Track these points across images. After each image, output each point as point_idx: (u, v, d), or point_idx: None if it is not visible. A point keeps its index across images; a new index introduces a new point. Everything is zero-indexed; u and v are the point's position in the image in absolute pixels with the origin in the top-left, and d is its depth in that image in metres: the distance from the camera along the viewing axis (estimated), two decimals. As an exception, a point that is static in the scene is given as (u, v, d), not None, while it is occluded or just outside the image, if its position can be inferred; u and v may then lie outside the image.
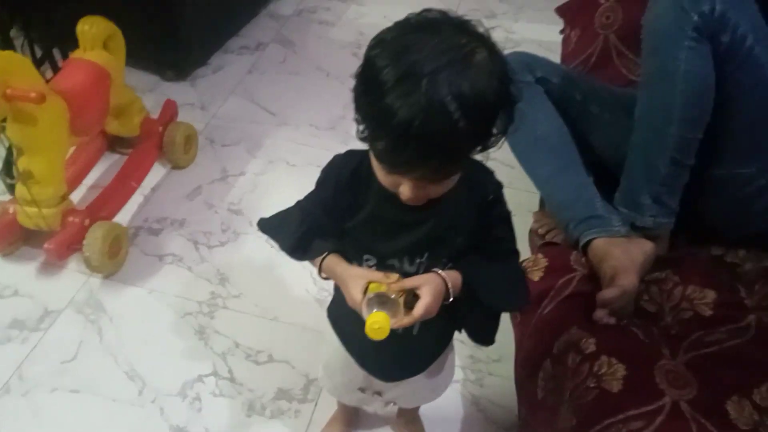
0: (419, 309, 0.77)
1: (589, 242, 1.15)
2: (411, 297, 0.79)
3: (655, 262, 1.11)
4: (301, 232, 0.87)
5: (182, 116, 1.91)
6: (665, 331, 1.01)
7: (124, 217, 1.68)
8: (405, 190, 0.71)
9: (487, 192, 0.81)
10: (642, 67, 1.13)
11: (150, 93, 2.09)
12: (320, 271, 0.87)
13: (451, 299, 0.81)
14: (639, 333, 1.00)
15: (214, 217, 1.73)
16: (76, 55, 1.57)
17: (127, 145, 1.82)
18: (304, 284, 1.55)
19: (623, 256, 1.09)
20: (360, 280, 0.79)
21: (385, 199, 0.78)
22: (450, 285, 0.80)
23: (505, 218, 0.85)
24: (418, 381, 0.99)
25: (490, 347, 0.92)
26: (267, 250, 1.57)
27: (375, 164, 0.73)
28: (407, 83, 0.61)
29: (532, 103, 1.29)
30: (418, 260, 0.82)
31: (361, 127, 0.70)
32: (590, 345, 0.98)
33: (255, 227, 0.94)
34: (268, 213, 0.92)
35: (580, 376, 0.94)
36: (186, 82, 2.19)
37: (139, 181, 1.73)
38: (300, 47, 2.39)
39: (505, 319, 1.17)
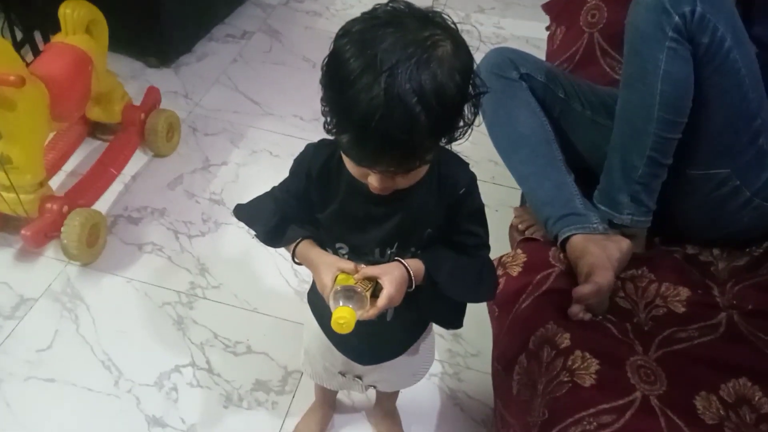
0: (382, 299, 0.77)
1: (567, 239, 1.16)
2: (377, 286, 0.80)
3: (631, 259, 1.13)
4: (275, 220, 0.87)
5: (165, 104, 1.90)
6: (639, 328, 1.02)
7: (103, 205, 1.66)
8: (373, 181, 0.72)
9: (457, 185, 0.81)
10: (623, 67, 1.13)
11: (133, 80, 2.07)
12: (293, 256, 0.87)
13: (413, 288, 0.82)
14: (613, 329, 1.01)
15: (195, 206, 1.72)
16: (57, 38, 1.55)
17: (108, 132, 1.81)
18: (285, 276, 1.55)
19: (600, 252, 1.11)
20: (330, 267, 0.80)
21: (355, 193, 0.79)
22: (412, 273, 0.81)
23: (476, 212, 0.85)
24: (396, 365, 1.00)
25: (467, 342, 0.93)
26: (248, 240, 1.57)
27: (344, 156, 0.74)
28: (368, 77, 0.61)
29: (515, 99, 1.30)
30: (388, 251, 0.83)
31: (328, 119, 0.70)
32: (565, 340, 0.99)
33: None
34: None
35: (554, 371, 0.95)
36: (170, 70, 2.17)
37: (120, 168, 1.72)
38: (286, 37, 2.37)
39: (484, 313, 1.18)
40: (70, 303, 1.46)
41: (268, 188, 0.90)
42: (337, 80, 0.64)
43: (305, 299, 1.02)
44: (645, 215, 1.17)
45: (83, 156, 1.79)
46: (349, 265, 0.80)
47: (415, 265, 0.81)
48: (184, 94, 2.08)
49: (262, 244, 0.91)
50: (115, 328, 1.42)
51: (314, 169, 0.81)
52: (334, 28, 0.67)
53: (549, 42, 1.69)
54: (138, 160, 1.81)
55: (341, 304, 0.75)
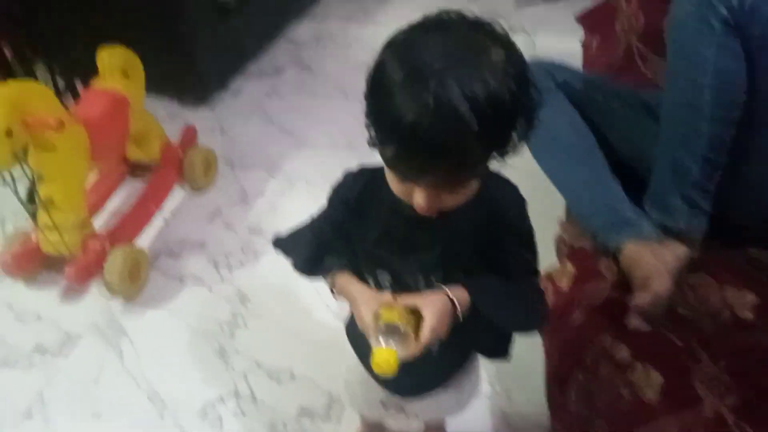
0: (425, 333, 0.72)
1: (619, 248, 1.10)
2: (420, 319, 0.76)
3: (689, 265, 1.06)
4: (312, 249, 0.85)
5: (202, 140, 1.93)
6: (703, 336, 0.95)
7: (145, 241, 1.68)
8: (419, 199, 0.67)
9: (506, 208, 0.77)
10: (668, 66, 1.08)
11: (170, 119, 2.11)
12: (332, 289, 0.84)
13: (461, 319, 0.76)
14: (674, 338, 0.94)
15: (234, 238, 1.72)
16: (96, 83, 1.59)
17: (148, 171, 1.84)
18: (325, 301, 1.52)
19: (656, 260, 1.04)
20: (370, 303, 0.76)
21: (398, 218, 0.75)
22: (457, 303, 0.76)
23: (526, 236, 0.80)
24: (439, 394, 0.95)
25: (518, 359, 0.88)
26: (287, 269, 1.52)
27: (387, 173, 0.71)
28: (415, 83, 0.58)
29: (554, 108, 1.27)
30: (433, 278, 0.79)
31: (372, 133, 0.66)
32: (623, 353, 0.93)
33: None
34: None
35: (614, 385, 0.89)
36: (205, 107, 2.21)
37: (159, 204, 1.74)
38: (318, 69, 2.40)
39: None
40: (115, 338, 1.47)
41: (305, 218, 0.88)
42: (383, 88, 0.61)
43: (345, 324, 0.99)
44: (700, 218, 1.10)
45: (125, 195, 1.82)
46: (390, 299, 0.75)
47: (460, 294, 0.76)
48: (220, 129, 2.11)
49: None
50: (158, 360, 1.42)
51: (353, 197, 0.79)
52: (365, 56, 0.64)
53: (584, 53, 1.66)
54: (177, 196, 1.83)
55: (383, 343, 0.70)
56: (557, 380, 1.03)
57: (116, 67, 1.59)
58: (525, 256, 0.80)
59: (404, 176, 0.67)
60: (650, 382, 0.87)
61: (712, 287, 1.03)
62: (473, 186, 0.70)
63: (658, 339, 0.95)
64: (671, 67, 1.08)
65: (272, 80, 2.36)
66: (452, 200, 0.69)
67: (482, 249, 0.78)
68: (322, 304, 1.52)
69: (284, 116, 2.17)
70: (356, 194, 0.79)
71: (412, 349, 0.71)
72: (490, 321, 0.78)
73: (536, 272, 0.83)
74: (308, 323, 1.49)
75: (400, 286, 0.78)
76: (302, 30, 2.62)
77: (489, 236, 0.77)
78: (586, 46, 1.66)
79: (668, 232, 1.10)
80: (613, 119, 1.29)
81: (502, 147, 0.65)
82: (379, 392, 0.97)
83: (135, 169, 1.86)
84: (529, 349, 0.88)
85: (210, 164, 1.86)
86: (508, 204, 0.77)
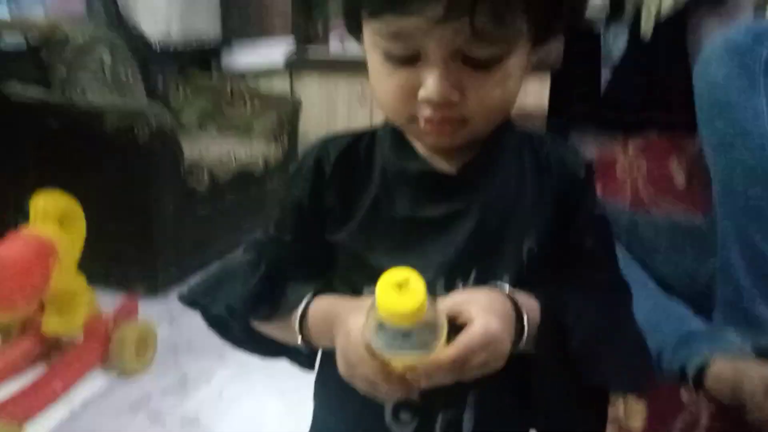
0: (473, 334, 0.41)
1: (702, 369, 0.77)
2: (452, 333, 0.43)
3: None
4: (259, 275, 0.53)
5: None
6: None
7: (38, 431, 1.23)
8: (432, 80, 0.43)
9: (570, 165, 0.51)
10: (707, 135, 0.90)
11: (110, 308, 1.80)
12: (302, 331, 0.51)
13: (522, 343, 0.45)
14: None
15: None
16: (24, 228, 1.35)
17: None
18: None
19: (766, 371, 0.72)
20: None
21: (398, 182, 0.49)
22: (525, 312, 0.45)
23: (600, 221, 0.53)
24: None
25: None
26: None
27: (376, 69, 0.46)
28: None
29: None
30: (460, 284, 0.48)
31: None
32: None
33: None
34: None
35: None
36: (155, 299, 1.91)
37: (67, 386, 1.34)
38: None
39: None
40: None
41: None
42: None
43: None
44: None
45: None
46: None
47: (529, 304, 0.46)
48: (169, 319, 1.79)
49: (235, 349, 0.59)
50: None
51: (329, 159, 0.52)
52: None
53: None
54: (97, 381, 1.43)
55: (395, 348, 0.40)
56: None
57: (51, 213, 1.36)
58: (606, 255, 0.50)
59: (403, 9, 0.41)
60: None
61: None
62: (513, 79, 0.46)
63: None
64: (715, 134, 0.89)
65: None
66: (480, 97, 0.44)
67: (538, 231, 0.48)
68: None
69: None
70: (335, 155, 0.51)
71: (435, 360, 0.39)
72: (572, 366, 0.44)
73: (627, 288, 0.51)
74: None
75: None
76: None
77: (547, 210, 0.49)
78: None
79: (763, 353, 0.79)
80: (643, 244, 1.07)
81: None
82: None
83: (51, 350, 1.48)
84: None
85: (146, 344, 1.50)
86: (572, 160, 0.50)
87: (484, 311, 0.42)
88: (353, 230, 0.51)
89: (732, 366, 0.75)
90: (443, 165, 0.50)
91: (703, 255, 0.94)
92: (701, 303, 0.92)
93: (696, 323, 0.85)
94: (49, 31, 1.91)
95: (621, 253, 0.97)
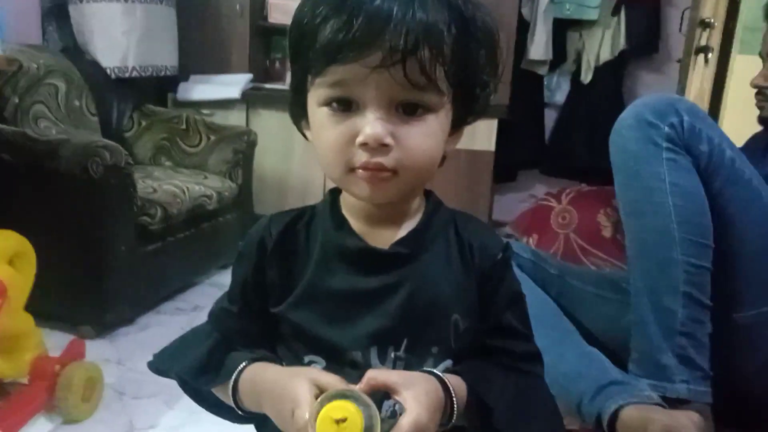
0: (405, 426, 0.46)
1: (616, 415, 0.85)
2: (389, 416, 0.48)
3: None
4: (209, 345, 0.59)
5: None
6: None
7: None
8: (368, 125, 0.49)
9: (490, 249, 0.57)
10: (622, 200, 1.00)
11: (59, 350, 1.78)
12: (235, 396, 0.55)
13: (452, 420, 0.50)
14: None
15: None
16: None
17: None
18: None
19: (670, 418, 0.80)
20: (302, 378, 0.49)
21: (335, 257, 0.55)
22: (454, 394, 0.50)
23: (517, 300, 0.59)
24: None
25: None
26: None
27: (321, 124, 0.52)
28: None
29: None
30: (392, 353, 0.54)
31: (296, 67, 0.53)
32: None
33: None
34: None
35: None
36: (104, 340, 1.90)
37: None
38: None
39: None
40: None
41: None
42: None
43: None
44: (702, 383, 0.90)
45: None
46: (329, 377, 0.50)
47: (456, 384, 0.52)
48: (117, 361, 1.78)
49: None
50: None
51: (271, 236, 0.58)
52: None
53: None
54: (41, 428, 1.41)
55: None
56: None
57: (1, 253, 1.36)
58: (522, 330, 0.57)
59: (343, 56, 0.48)
60: None
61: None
62: (437, 137, 0.53)
63: None
64: (627, 196, 0.99)
65: (188, 317, 2.12)
66: (410, 146, 0.50)
67: (464, 305, 0.55)
68: None
69: (196, 347, 1.88)
70: (277, 232, 0.57)
71: None
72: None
73: (540, 359, 0.58)
74: None
75: (341, 374, 0.51)
76: (228, 277, 2.49)
77: (471, 287, 0.56)
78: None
79: (669, 403, 0.88)
80: (571, 294, 1.16)
81: (468, 64, 0.52)
82: None
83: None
84: None
85: (93, 386, 1.50)
86: (491, 244, 0.57)
87: (417, 402, 0.47)
88: (293, 303, 0.56)
89: (639, 413, 0.83)
90: (377, 241, 0.56)
91: (625, 304, 1.03)
92: (620, 352, 1.01)
93: (614, 373, 0.93)
94: (2, 61, 1.88)
95: (550, 306, 1.07)
